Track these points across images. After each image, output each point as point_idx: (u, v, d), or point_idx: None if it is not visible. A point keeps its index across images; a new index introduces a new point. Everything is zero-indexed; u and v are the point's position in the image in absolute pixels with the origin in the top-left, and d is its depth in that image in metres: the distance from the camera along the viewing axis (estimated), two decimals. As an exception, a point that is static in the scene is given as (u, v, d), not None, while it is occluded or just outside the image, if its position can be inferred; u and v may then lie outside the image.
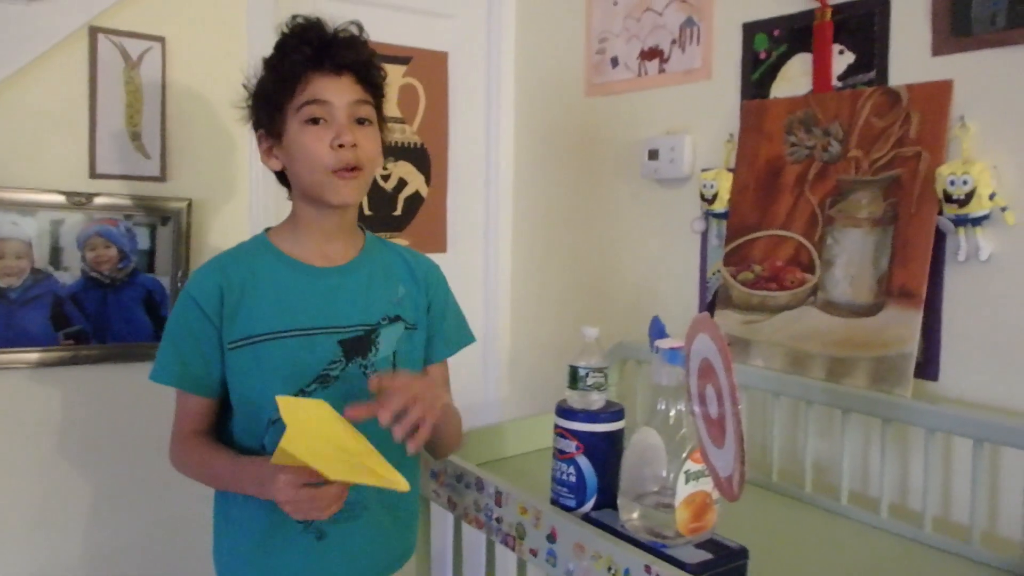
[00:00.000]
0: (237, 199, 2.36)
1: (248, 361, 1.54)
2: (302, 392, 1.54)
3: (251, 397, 1.55)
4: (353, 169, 1.53)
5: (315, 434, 1.36)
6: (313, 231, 1.61)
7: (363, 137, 1.54)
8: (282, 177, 1.65)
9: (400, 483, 1.36)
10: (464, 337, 1.86)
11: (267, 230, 1.67)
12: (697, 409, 1.37)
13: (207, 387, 1.57)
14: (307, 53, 1.52)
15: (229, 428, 1.61)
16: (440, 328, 1.78)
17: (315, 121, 1.51)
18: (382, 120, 1.64)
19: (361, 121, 1.56)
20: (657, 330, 1.55)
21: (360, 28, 1.61)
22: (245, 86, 1.63)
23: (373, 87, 1.61)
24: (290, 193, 1.65)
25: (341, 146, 1.51)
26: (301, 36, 1.54)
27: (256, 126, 1.62)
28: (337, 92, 1.53)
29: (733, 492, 1.30)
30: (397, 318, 1.66)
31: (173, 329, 1.57)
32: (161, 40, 2.20)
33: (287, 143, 1.54)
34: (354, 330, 1.60)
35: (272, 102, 1.54)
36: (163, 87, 2.21)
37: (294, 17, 1.58)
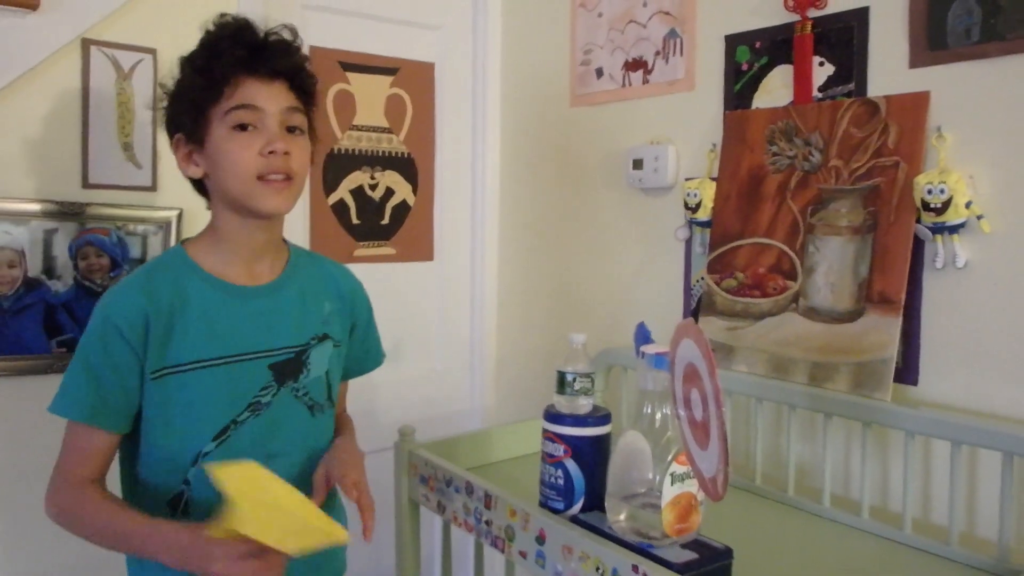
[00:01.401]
0: (227, 208, 2.37)
1: (174, 391, 1.45)
2: (234, 423, 1.48)
3: (174, 430, 1.46)
4: (285, 178, 1.45)
5: (260, 503, 1.26)
6: (237, 246, 1.52)
7: (295, 146, 1.46)
8: (199, 185, 1.55)
9: (342, 536, 1.32)
10: (378, 359, 1.83)
11: (184, 242, 1.57)
12: (682, 413, 1.39)
13: (122, 422, 1.45)
14: (239, 55, 1.43)
15: (134, 468, 1.50)
16: (360, 350, 1.76)
17: (243, 127, 1.43)
18: (312, 130, 1.56)
19: (292, 129, 1.48)
20: (643, 336, 1.58)
21: (294, 33, 1.53)
22: (162, 86, 1.53)
23: (305, 95, 1.53)
24: (209, 203, 1.56)
25: (272, 153, 1.43)
26: (233, 37, 1.45)
27: (174, 129, 1.51)
28: (269, 98, 1.45)
29: (717, 492, 1.33)
30: (325, 336, 1.62)
31: (90, 358, 1.42)
32: (152, 52, 2.22)
33: (210, 149, 1.45)
34: (285, 352, 1.55)
35: (195, 105, 1.45)
36: (154, 98, 2.21)
37: (222, 15, 1.49)
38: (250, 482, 1.29)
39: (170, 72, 1.53)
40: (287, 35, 1.51)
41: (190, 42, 2.24)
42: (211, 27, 1.49)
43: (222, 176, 1.45)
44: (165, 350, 1.44)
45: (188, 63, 1.49)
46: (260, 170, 1.43)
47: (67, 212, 2.09)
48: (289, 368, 1.55)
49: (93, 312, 1.45)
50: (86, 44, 2.12)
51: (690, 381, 1.36)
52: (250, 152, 1.42)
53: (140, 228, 2.21)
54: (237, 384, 1.49)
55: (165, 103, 1.53)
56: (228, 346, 1.48)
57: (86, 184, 2.14)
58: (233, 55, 1.43)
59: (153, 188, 2.24)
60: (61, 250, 2.10)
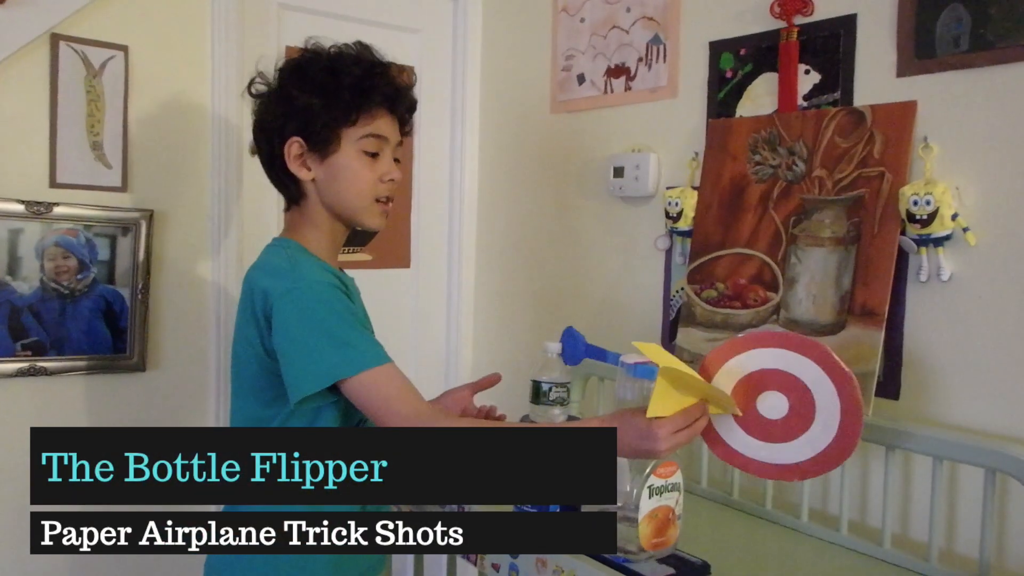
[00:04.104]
0: (198, 210, 2.34)
1: None
2: None
3: None
4: (388, 200, 1.66)
5: (683, 371, 1.39)
6: (332, 244, 1.68)
7: (400, 174, 1.66)
8: (292, 182, 1.63)
9: (734, 406, 1.49)
10: None
11: (290, 240, 1.65)
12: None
13: None
14: (389, 93, 1.62)
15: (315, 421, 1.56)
16: None
17: (372, 154, 1.60)
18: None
19: (395, 159, 1.66)
20: (572, 339, 1.62)
21: (412, 74, 1.76)
22: (274, 92, 1.62)
23: (408, 129, 1.73)
24: (295, 200, 1.66)
25: (392, 180, 1.63)
26: (385, 76, 1.62)
27: (291, 133, 1.60)
28: (392, 131, 1.65)
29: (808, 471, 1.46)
30: None
31: (346, 315, 1.51)
32: (124, 49, 2.18)
33: (337, 164, 1.60)
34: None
35: (331, 122, 1.58)
36: (125, 96, 2.19)
37: (358, 44, 1.66)
38: (660, 356, 1.41)
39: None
40: (411, 78, 1.76)
41: (163, 40, 2.23)
42: (351, 52, 1.64)
43: (340, 189, 1.62)
44: None
45: (332, 83, 1.58)
46: (378, 194, 1.63)
47: (33, 212, 2.04)
48: None
49: (302, 290, 1.49)
50: (55, 39, 2.08)
51: (760, 386, 1.47)
52: (374, 175, 1.61)
53: (109, 229, 2.17)
54: None
55: (271, 105, 1.63)
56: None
57: (54, 183, 2.10)
58: (384, 93, 1.61)
59: (123, 189, 2.20)
60: (27, 251, 2.06)
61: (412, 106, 1.71)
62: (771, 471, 1.51)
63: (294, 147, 1.60)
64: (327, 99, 1.58)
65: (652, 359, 1.39)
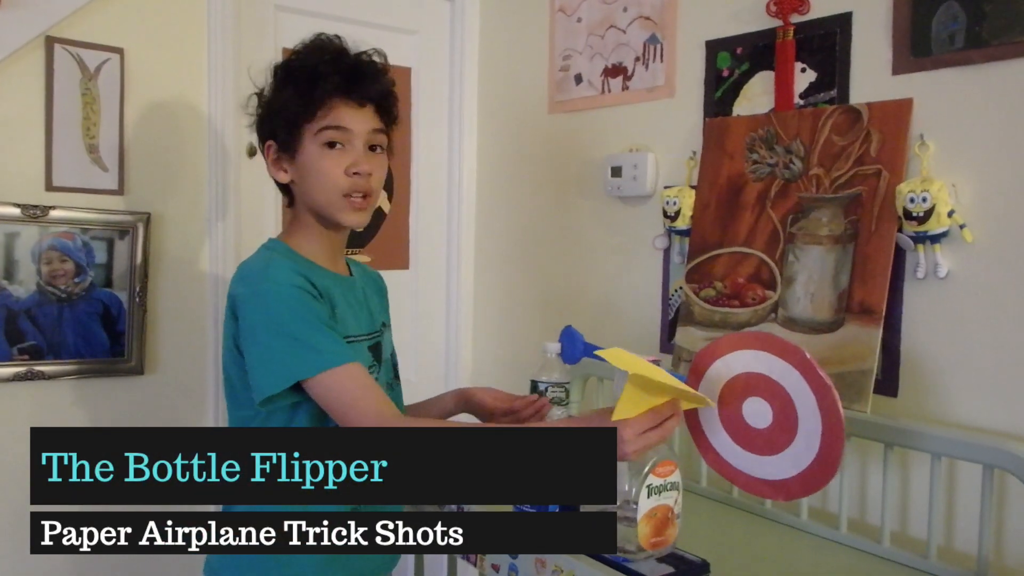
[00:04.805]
0: (196, 212, 2.33)
1: None
2: None
3: None
4: (364, 196, 1.56)
5: (649, 371, 1.36)
6: (325, 244, 1.63)
7: (375, 165, 1.57)
8: (284, 187, 1.64)
9: (706, 399, 1.45)
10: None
11: (279, 242, 1.63)
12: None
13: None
14: (337, 82, 1.53)
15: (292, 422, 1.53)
16: None
17: (332, 145, 1.54)
18: (390, 146, 1.67)
19: (373, 148, 1.59)
20: (569, 338, 1.60)
21: (384, 57, 1.64)
22: (258, 94, 1.62)
23: (389, 117, 1.64)
24: (291, 202, 1.65)
25: (356, 174, 1.54)
26: (334, 63, 1.55)
27: (266, 136, 1.60)
28: (358, 120, 1.55)
29: (799, 489, 1.44)
30: (385, 324, 1.74)
31: (310, 318, 1.46)
32: (120, 51, 2.18)
33: (302, 161, 1.55)
34: (373, 337, 1.66)
35: (290, 119, 1.55)
36: (121, 99, 2.19)
37: (319, 36, 1.60)
38: (624, 359, 1.38)
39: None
40: (378, 60, 1.63)
41: (159, 42, 2.23)
42: (309, 44, 1.59)
43: (310, 187, 1.56)
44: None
45: (285, 76, 1.58)
46: (345, 188, 1.54)
47: (30, 215, 2.04)
48: (377, 351, 1.66)
49: (264, 293, 1.47)
50: (50, 42, 2.08)
51: (743, 392, 1.44)
52: (337, 169, 1.53)
53: (106, 232, 2.16)
54: (362, 361, 1.55)
55: (256, 109, 1.63)
56: (351, 327, 1.59)
57: (50, 186, 2.10)
58: (332, 81, 1.53)
59: (120, 191, 2.20)
60: (23, 254, 2.06)
61: (378, 91, 1.60)
62: (758, 487, 1.51)
63: (270, 151, 1.60)
64: (283, 96, 1.56)
65: (618, 365, 1.37)
